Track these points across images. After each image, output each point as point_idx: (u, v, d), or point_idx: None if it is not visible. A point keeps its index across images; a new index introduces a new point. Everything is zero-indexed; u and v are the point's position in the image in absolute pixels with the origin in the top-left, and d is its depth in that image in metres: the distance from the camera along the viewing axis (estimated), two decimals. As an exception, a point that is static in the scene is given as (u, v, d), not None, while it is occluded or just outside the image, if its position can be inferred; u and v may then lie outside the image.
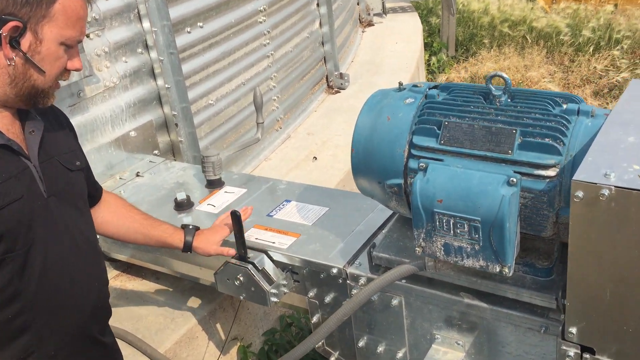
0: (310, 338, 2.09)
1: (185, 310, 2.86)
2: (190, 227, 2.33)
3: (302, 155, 4.11)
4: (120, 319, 2.79)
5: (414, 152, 1.91)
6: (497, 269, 1.74)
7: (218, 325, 2.93)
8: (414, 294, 2.06)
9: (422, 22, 7.32)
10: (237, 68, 3.88)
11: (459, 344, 2.05)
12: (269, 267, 2.32)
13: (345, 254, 2.24)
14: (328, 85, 5.22)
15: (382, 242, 2.13)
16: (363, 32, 6.66)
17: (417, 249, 1.85)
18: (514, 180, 1.67)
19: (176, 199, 2.68)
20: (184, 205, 2.67)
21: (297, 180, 3.67)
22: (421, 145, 1.90)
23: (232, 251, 2.29)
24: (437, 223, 1.76)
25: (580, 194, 1.50)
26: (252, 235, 2.43)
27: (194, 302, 2.91)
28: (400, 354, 2.20)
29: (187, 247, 2.30)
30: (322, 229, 2.41)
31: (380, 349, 2.24)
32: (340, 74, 5.23)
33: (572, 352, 1.73)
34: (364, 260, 2.19)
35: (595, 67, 7.27)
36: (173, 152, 3.37)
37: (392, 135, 1.94)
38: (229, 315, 2.97)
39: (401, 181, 1.94)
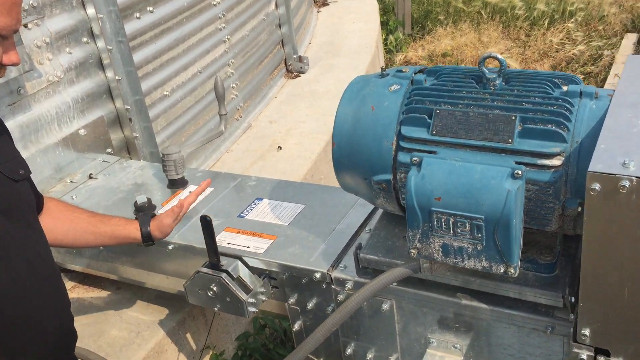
0: (297, 352, 1.91)
1: (152, 322, 2.63)
2: (144, 215, 2.16)
3: (266, 145, 3.90)
4: (80, 335, 2.52)
5: (403, 144, 1.73)
6: (502, 270, 1.59)
7: (188, 336, 2.72)
8: (407, 297, 1.90)
9: (377, 0, 7.13)
10: (193, 55, 3.62)
11: (456, 348, 1.91)
12: (245, 274, 2.13)
13: (327, 256, 2.06)
14: (287, 69, 5.00)
15: (368, 242, 1.95)
16: (318, 12, 6.43)
17: (412, 251, 1.68)
18: (519, 172, 1.51)
19: (136, 202, 2.44)
20: (145, 210, 2.43)
21: (264, 172, 3.47)
22: (411, 136, 1.72)
23: (185, 206, 2.16)
24: (435, 223, 1.60)
25: (596, 186, 1.35)
26: (223, 239, 2.22)
27: (160, 312, 2.69)
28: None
29: (147, 237, 2.11)
30: (300, 229, 2.23)
31: (369, 355, 2.08)
32: (299, 57, 5.00)
33: (584, 354, 1.60)
34: (350, 262, 2.02)
35: (551, 41, 7.23)
36: (128, 149, 3.11)
37: (378, 127, 1.76)
38: (200, 324, 2.77)
39: (390, 177, 1.77)
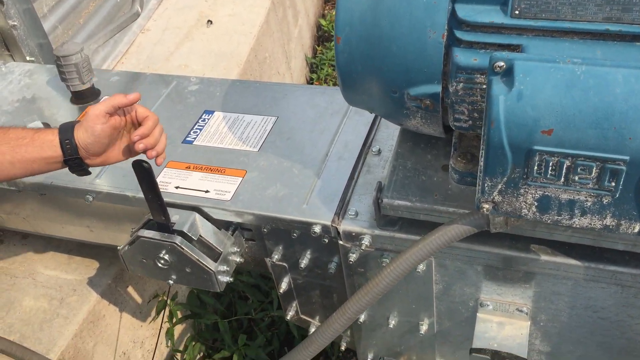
0: (313, 339, 1.32)
1: (79, 282, 1.97)
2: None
3: (191, 19, 3.05)
4: (-19, 313, 1.88)
5: (460, 35, 1.06)
6: (637, 229, 1.01)
7: (130, 289, 2.10)
8: (454, 253, 1.33)
9: None
10: None
11: (521, 311, 1.38)
12: (208, 231, 1.47)
13: (327, 198, 1.43)
14: None
15: (392, 180, 1.32)
16: None
17: (483, 205, 1.07)
18: (692, 79, 0.89)
19: (28, 132, 1.67)
20: (43, 141, 1.67)
21: (193, 57, 2.70)
22: (475, 21, 1.04)
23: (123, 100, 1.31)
24: (535, 168, 0.98)
25: None
26: (167, 181, 1.53)
27: (88, 266, 2.02)
28: (424, 326, 1.51)
29: (71, 150, 1.27)
30: (278, 156, 1.56)
31: (392, 321, 1.53)
32: None
33: None
34: (361, 205, 1.40)
35: None
36: (6, 45, 2.24)
37: (417, 8, 1.06)
38: (143, 272, 2.13)
39: (438, 89, 1.11)
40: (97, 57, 2.64)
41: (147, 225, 1.46)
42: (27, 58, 2.27)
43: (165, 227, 1.42)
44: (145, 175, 1.31)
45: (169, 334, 2.26)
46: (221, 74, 2.67)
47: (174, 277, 1.50)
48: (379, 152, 1.51)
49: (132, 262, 1.52)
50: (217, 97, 1.76)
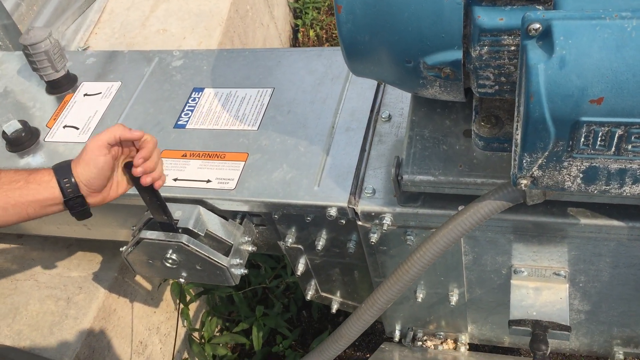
0: (343, 333, 1.23)
1: (84, 279, 1.88)
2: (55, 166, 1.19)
3: (162, -23, 2.84)
4: (-14, 321, 1.79)
5: (482, -9, 0.92)
6: (694, 194, 0.91)
7: (138, 278, 2.01)
8: (483, 225, 1.22)
9: None
10: None
11: (558, 275, 1.29)
12: (215, 225, 1.36)
13: (339, 177, 1.31)
14: None
15: (410, 153, 1.20)
16: None
17: (521, 181, 0.96)
18: None
19: (4, 133, 1.53)
20: (22, 141, 1.54)
21: (172, 20, 2.53)
22: (499, -26, 0.90)
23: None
24: (583, 139, 0.86)
25: None
26: (164, 173, 1.41)
27: (91, 260, 1.93)
28: (454, 297, 1.43)
29: (73, 194, 1.16)
30: (280, 133, 1.43)
31: (420, 294, 1.45)
32: None
33: None
34: (379, 182, 1.29)
35: None
36: (-34, 32, 2.06)
37: (429, -37, 0.92)
38: (149, 259, 2.03)
39: (458, 55, 0.98)
40: (68, 31, 2.46)
41: (149, 225, 1.36)
42: (-6, 46, 2.11)
43: (169, 226, 1.31)
44: (137, 177, 1.19)
45: (184, 313, 2.19)
46: (203, 35, 2.49)
47: (184, 274, 1.41)
48: (389, 117, 1.39)
49: (137, 264, 1.42)
50: (205, 71, 1.61)
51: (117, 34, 2.54)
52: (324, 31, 3.43)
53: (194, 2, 2.65)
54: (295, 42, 3.50)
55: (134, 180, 1.20)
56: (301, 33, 3.47)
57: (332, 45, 3.37)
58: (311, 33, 3.41)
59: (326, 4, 3.51)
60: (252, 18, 2.89)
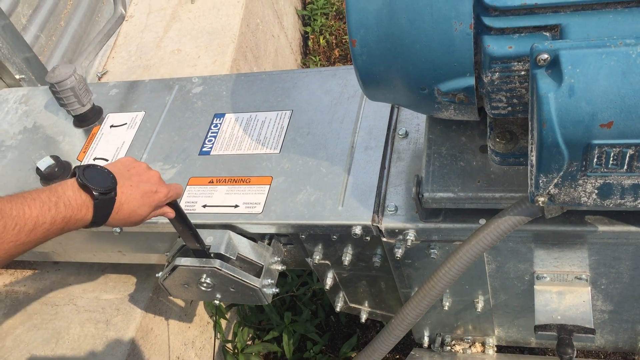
0: (375, 347, 1.29)
1: (120, 301, 1.95)
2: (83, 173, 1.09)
3: (173, -2, 2.90)
4: (28, 347, 1.87)
5: (489, 21, 0.96)
6: None
7: (173, 298, 2.07)
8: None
9: None
10: None
11: (580, 279, 1.33)
12: (245, 248, 1.42)
13: (362, 195, 1.36)
14: None
15: (429, 171, 1.25)
16: None
17: (538, 199, 1.00)
18: None
19: (38, 169, 1.60)
20: (55, 176, 1.61)
21: (186, 40, 2.58)
22: (505, 5, 0.94)
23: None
24: (595, 159, 0.90)
25: None
26: (193, 201, 1.47)
27: (125, 282, 2.00)
28: (480, 303, 1.47)
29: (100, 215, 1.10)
30: (301, 155, 1.48)
31: (446, 303, 1.50)
32: None
33: None
34: (399, 198, 1.34)
35: None
36: (-8, 69, 2.14)
37: (436, 1, 0.96)
38: (181, 277, 2.10)
39: (471, 82, 1.02)
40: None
41: (183, 251, 1.42)
42: (17, 76, 2.18)
43: (202, 252, 1.37)
44: (171, 206, 1.25)
45: (218, 326, 2.26)
46: (217, 53, 2.55)
47: (219, 296, 1.47)
48: (406, 134, 1.43)
49: (173, 289, 1.48)
50: (225, 96, 1.67)
51: (134, 57, 2.61)
52: (333, 37, 3.47)
53: (206, 21, 2.71)
54: (305, 49, 3.55)
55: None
56: (311, 40, 3.51)
57: (342, 51, 3.41)
58: (321, 40, 3.45)
59: (334, 9, 3.55)
60: (263, 31, 2.94)
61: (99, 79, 2.52)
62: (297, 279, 2.49)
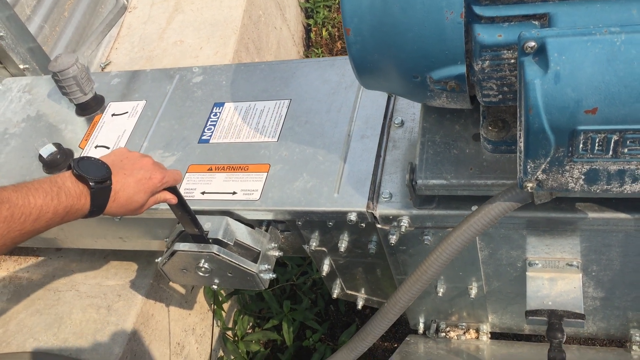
0: (369, 331, 1.32)
1: (122, 287, 1.98)
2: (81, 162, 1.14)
3: (176, -11, 2.92)
4: (32, 331, 1.90)
5: (479, 10, 0.98)
6: (692, 188, 0.97)
7: (173, 284, 2.11)
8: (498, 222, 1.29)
9: None
10: None
11: (571, 265, 1.36)
12: (243, 234, 1.45)
13: (357, 183, 1.39)
14: None
15: (423, 158, 1.27)
16: None
17: (527, 184, 1.02)
18: None
19: (41, 156, 1.63)
20: (58, 162, 1.64)
21: (188, 31, 2.62)
22: (495, -6, 0.96)
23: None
24: (581, 145, 0.93)
25: None
26: (192, 187, 1.50)
27: (127, 268, 2.03)
28: (473, 290, 1.50)
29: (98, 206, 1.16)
30: (298, 143, 1.51)
31: (440, 289, 1.52)
32: None
33: None
34: (395, 187, 1.36)
35: None
36: (-4, 58, 2.17)
37: (429, -12, 0.99)
38: (181, 265, 2.13)
39: (462, 70, 1.04)
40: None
41: (182, 237, 1.45)
42: (21, 66, 2.21)
43: (200, 237, 1.40)
44: (170, 191, 1.28)
45: (217, 314, 2.29)
46: (219, 44, 2.58)
47: (217, 281, 1.50)
48: (402, 123, 1.46)
49: (172, 274, 1.51)
50: (224, 86, 1.70)
51: (137, 48, 2.64)
52: (335, 29, 3.49)
53: (208, 12, 2.74)
54: (308, 42, 3.57)
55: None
56: (314, 32, 3.53)
57: (344, 44, 3.42)
58: (324, 32, 3.47)
59: (337, 1, 3.56)
60: (265, 23, 2.96)
61: (103, 69, 2.55)
62: (297, 268, 2.52)
